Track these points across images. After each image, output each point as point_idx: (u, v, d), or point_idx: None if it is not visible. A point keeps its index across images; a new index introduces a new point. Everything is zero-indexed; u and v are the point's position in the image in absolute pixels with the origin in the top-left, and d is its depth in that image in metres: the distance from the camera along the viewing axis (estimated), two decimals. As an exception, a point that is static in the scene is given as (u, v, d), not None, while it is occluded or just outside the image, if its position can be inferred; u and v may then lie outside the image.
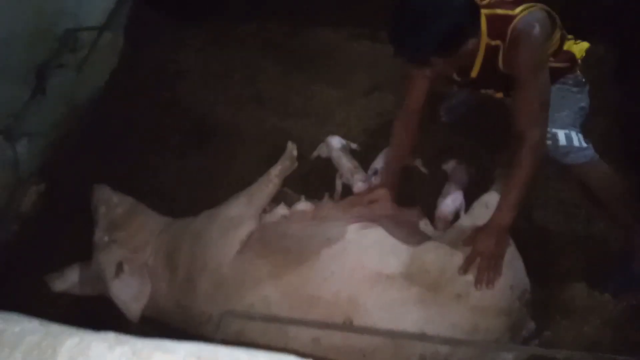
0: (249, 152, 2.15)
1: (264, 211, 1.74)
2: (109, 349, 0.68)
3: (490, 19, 1.37)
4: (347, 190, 1.91)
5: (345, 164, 1.94)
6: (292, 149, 1.97)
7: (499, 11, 1.37)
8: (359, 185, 1.85)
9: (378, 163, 1.92)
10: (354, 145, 2.05)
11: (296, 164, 1.95)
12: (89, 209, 1.78)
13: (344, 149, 2.01)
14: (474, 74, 1.50)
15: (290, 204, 1.77)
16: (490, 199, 1.61)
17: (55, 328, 0.73)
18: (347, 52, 2.37)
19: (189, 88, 2.39)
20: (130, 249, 1.66)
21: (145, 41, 2.51)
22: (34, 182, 1.92)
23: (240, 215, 1.65)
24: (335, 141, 2.02)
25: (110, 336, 0.71)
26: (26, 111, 1.91)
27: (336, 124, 2.16)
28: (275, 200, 1.80)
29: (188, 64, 2.47)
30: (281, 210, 1.72)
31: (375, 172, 1.89)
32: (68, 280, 1.70)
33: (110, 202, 1.77)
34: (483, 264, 1.38)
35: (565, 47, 1.52)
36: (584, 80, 1.57)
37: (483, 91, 1.67)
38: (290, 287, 1.43)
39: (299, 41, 2.43)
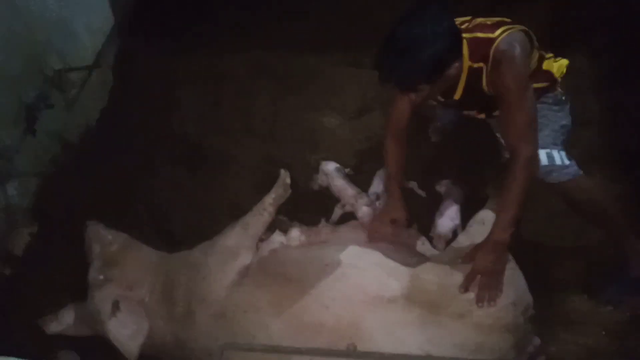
0: (242, 180, 2.15)
1: (260, 240, 1.73)
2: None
3: (472, 42, 1.42)
4: (347, 217, 1.91)
5: (348, 190, 1.94)
6: (285, 176, 1.98)
7: (480, 35, 1.42)
8: (364, 210, 1.84)
9: (376, 187, 1.94)
10: (346, 170, 2.06)
11: (290, 191, 1.95)
12: (82, 247, 1.76)
13: (341, 174, 2.01)
14: (457, 96, 1.55)
15: (285, 231, 1.77)
16: (486, 216, 1.62)
17: None
18: (333, 77, 2.41)
19: (181, 119, 2.40)
20: (125, 286, 1.63)
21: (134, 77, 2.53)
22: (25, 224, 1.89)
23: (237, 246, 1.64)
24: (331, 167, 2.03)
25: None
26: (16, 152, 1.90)
27: (327, 149, 2.18)
28: (271, 228, 1.79)
29: (178, 96, 2.50)
30: (278, 237, 1.72)
31: (378, 197, 1.90)
32: (63, 322, 1.66)
33: (104, 240, 1.75)
34: (483, 281, 1.38)
35: (544, 67, 1.56)
36: (564, 98, 1.60)
37: (466, 112, 1.71)
38: (291, 315, 1.41)
39: (286, 69, 2.48)
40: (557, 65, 1.57)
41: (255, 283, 1.51)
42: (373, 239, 1.70)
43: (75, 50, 2.29)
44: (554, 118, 1.57)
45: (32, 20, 2.01)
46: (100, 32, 2.48)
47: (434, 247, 1.75)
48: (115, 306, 1.57)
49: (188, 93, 2.49)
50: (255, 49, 2.55)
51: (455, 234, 1.75)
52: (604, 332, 1.50)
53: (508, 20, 1.46)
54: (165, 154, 2.30)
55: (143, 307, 1.61)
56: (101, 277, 1.66)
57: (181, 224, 2.07)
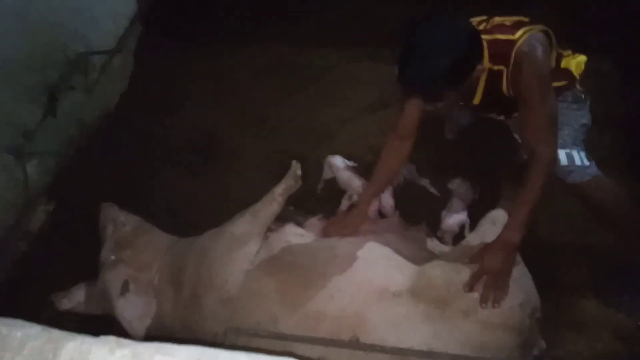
0: (253, 170, 2.17)
1: (270, 230, 1.74)
2: (110, 352, 0.69)
3: (491, 44, 1.40)
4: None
5: (354, 181, 1.94)
6: (296, 168, 1.98)
7: (500, 36, 1.39)
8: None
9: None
10: (352, 164, 2.05)
11: (300, 183, 1.96)
12: (96, 227, 1.79)
13: (348, 167, 2.02)
14: (476, 100, 1.52)
15: (297, 222, 1.78)
16: (498, 216, 1.60)
17: (57, 333, 0.74)
18: (349, 72, 2.41)
19: (196, 109, 2.43)
20: (136, 267, 1.66)
21: (154, 63, 2.56)
22: (43, 202, 1.94)
23: (246, 233, 1.65)
24: (338, 161, 2.03)
25: (111, 339, 0.71)
26: (37, 131, 1.95)
27: (340, 143, 2.18)
28: (280, 218, 1.80)
29: (194, 86, 2.53)
30: (289, 228, 1.72)
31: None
32: (74, 299, 1.70)
33: (117, 221, 1.78)
34: (489, 281, 1.36)
35: (562, 65, 1.53)
36: (583, 96, 1.57)
37: (485, 114, 1.69)
38: (296, 303, 1.41)
39: (302, 62, 2.48)
40: (575, 63, 1.53)
41: (262, 270, 1.52)
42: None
43: (97, 34, 2.33)
44: (574, 117, 1.54)
45: (57, 5, 2.06)
46: (122, 18, 2.52)
47: (443, 243, 1.74)
48: (125, 286, 1.60)
49: (204, 82, 2.52)
50: (272, 41, 2.56)
51: (462, 230, 1.74)
52: (611, 336, 1.47)
53: (526, 19, 1.44)
54: (180, 141, 2.33)
55: (152, 289, 1.64)
56: (113, 257, 1.69)
57: (193, 210, 2.09)
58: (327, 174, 2.05)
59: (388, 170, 1.70)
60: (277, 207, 1.79)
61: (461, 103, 1.60)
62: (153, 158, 2.26)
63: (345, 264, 1.48)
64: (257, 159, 2.21)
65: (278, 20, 2.62)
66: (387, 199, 1.86)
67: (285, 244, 1.63)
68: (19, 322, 0.77)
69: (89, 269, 1.71)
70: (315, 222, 1.76)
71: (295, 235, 1.68)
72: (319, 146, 2.19)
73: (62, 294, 1.70)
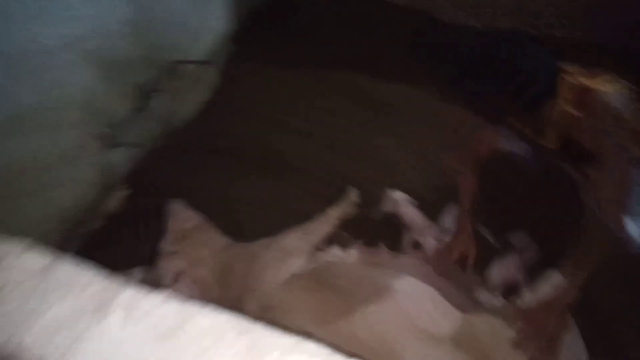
0: (312, 189, 2.22)
1: (318, 248, 1.78)
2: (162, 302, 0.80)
3: (573, 88, 1.37)
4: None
5: (417, 220, 1.94)
6: (353, 195, 2.03)
7: (584, 81, 1.37)
8: (431, 242, 1.84)
9: (446, 221, 1.90)
10: (414, 202, 2.05)
11: (355, 210, 1.99)
12: (162, 219, 1.93)
13: (410, 203, 2.02)
14: (549, 143, 1.48)
15: (345, 246, 1.80)
16: (554, 277, 1.53)
17: (115, 280, 0.87)
18: (423, 108, 2.42)
19: (267, 125, 2.56)
20: (190, 262, 1.76)
21: (237, 79, 2.75)
22: (120, 188, 2.13)
23: (295, 248, 1.70)
24: (400, 196, 2.04)
25: (164, 294, 0.82)
26: (125, 125, 2.16)
27: (401, 176, 2.18)
28: (330, 240, 1.83)
29: (269, 104, 2.67)
30: (336, 250, 1.75)
31: (447, 232, 1.87)
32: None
33: (181, 217, 1.92)
34: (538, 343, 1.30)
35: None
36: None
37: (555, 162, 1.64)
38: (332, 326, 1.43)
39: (378, 95, 2.54)
40: None
41: (304, 286, 1.55)
42: (438, 271, 1.67)
43: (192, 46, 2.56)
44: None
45: (163, 17, 2.30)
46: (217, 34, 2.75)
47: (494, 296, 1.68)
48: (176, 278, 1.70)
49: (279, 100, 2.65)
50: (353, 73, 2.67)
51: (515, 285, 1.67)
52: None
53: (614, 73, 1.40)
54: (247, 153, 2.45)
55: (199, 285, 1.73)
56: (171, 249, 1.81)
57: (251, 220, 2.18)
58: (386, 207, 2.06)
59: (473, 194, 1.71)
60: (329, 229, 1.84)
61: (532, 143, 1.57)
62: (222, 164, 2.39)
63: (389, 296, 1.48)
64: (318, 180, 2.26)
65: (362, 54, 2.73)
66: (430, 242, 1.84)
67: (329, 264, 1.66)
68: (85, 266, 0.91)
69: (148, 256, 1.83)
70: (358, 250, 1.77)
71: (340, 257, 1.71)
72: (379, 176, 2.21)
73: (120, 274, 1.83)
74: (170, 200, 1.96)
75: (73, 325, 0.87)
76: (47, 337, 0.88)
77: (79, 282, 0.91)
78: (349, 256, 1.73)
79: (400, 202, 2.00)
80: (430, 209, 2.01)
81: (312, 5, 2.92)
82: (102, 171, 2.07)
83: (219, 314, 0.78)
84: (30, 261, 1.04)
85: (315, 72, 2.73)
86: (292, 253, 1.67)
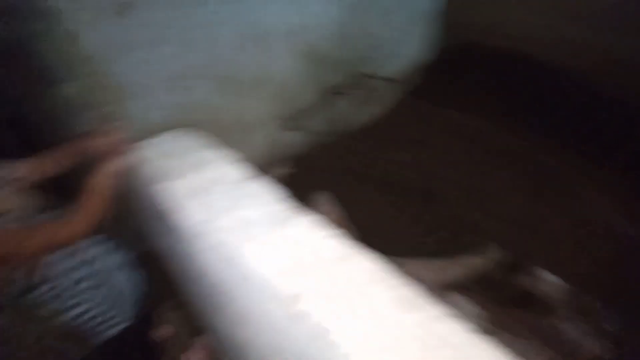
0: (459, 224, 2.21)
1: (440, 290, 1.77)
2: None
3: None
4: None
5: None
6: (492, 253, 1.97)
7: None
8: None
9: None
10: (561, 282, 1.89)
11: (486, 269, 1.92)
12: (309, 203, 2.12)
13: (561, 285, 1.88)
14: None
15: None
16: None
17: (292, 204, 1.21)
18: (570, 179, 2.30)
19: (425, 155, 2.66)
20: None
21: (411, 101, 2.93)
22: (285, 166, 2.40)
23: (434, 276, 1.75)
24: (553, 279, 1.91)
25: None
26: (308, 114, 2.45)
27: (554, 253, 2.05)
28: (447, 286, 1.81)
29: (433, 134, 2.79)
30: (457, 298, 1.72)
31: None
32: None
33: (325, 208, 2.08)
34: None
35: None
36: None
37: None
38: None
39: (533, 158, 2.51)
40: None
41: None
42: None
43: (382, 63, 2.78)
44: None
45: (370, 31, 2.55)
46: (409, 59, 2.98)
47: None
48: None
49: (441, 134, 2.75)
50: (509, 132, 2.67)
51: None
52: None
53: None
54: (403, 179, 2.54)
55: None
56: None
57: (382, 236, 2.24)
58: (527, 281, 1.94)
59: None
60: (461, 272, 1.82)
61: None
62: (369, 186, 2.52)
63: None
64: (460, 223, 2.24)
65: (522, 113, 2.72)
66: None
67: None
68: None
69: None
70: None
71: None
72: (523, 242, 2.11)
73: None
74: (320, 192, 2.15)
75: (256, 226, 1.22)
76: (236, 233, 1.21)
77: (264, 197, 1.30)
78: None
79: (549, 282, 1.88)
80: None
81: (488, 63, 3.00)
82: (277, 148, 2.36)
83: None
84: (234, 172, 1.47)
85: (477, 121, 2.79)
86: (416, 277, 1.69)
